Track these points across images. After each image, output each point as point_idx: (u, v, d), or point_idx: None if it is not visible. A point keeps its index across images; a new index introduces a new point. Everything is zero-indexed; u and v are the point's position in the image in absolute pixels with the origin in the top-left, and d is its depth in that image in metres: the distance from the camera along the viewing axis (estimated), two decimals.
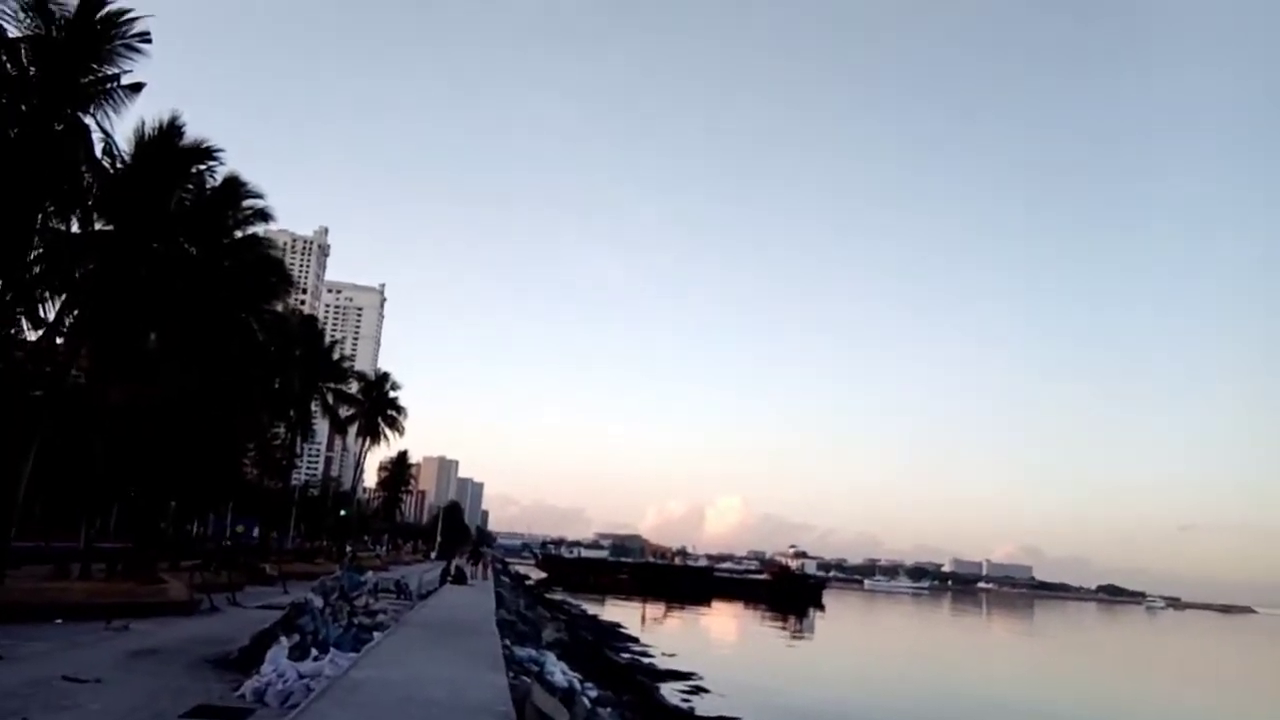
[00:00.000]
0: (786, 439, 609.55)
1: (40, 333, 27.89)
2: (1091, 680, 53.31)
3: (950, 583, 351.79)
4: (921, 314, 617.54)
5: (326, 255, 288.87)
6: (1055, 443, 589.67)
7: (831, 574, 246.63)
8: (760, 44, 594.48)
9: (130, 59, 24.39)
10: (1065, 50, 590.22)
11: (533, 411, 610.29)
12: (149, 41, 24.49)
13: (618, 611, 73.01)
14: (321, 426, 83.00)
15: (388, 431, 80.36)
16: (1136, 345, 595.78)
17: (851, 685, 40.42)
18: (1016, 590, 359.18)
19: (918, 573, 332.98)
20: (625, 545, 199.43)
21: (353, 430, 78.86)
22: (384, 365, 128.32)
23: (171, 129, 27.98)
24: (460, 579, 47.02)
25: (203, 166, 29.76)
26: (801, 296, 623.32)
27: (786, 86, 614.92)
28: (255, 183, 32.31)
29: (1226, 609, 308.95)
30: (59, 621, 20.59)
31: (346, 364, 73.17)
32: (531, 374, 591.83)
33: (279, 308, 42.22)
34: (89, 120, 24.18)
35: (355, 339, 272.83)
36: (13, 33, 22.47)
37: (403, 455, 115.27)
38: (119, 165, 25.92)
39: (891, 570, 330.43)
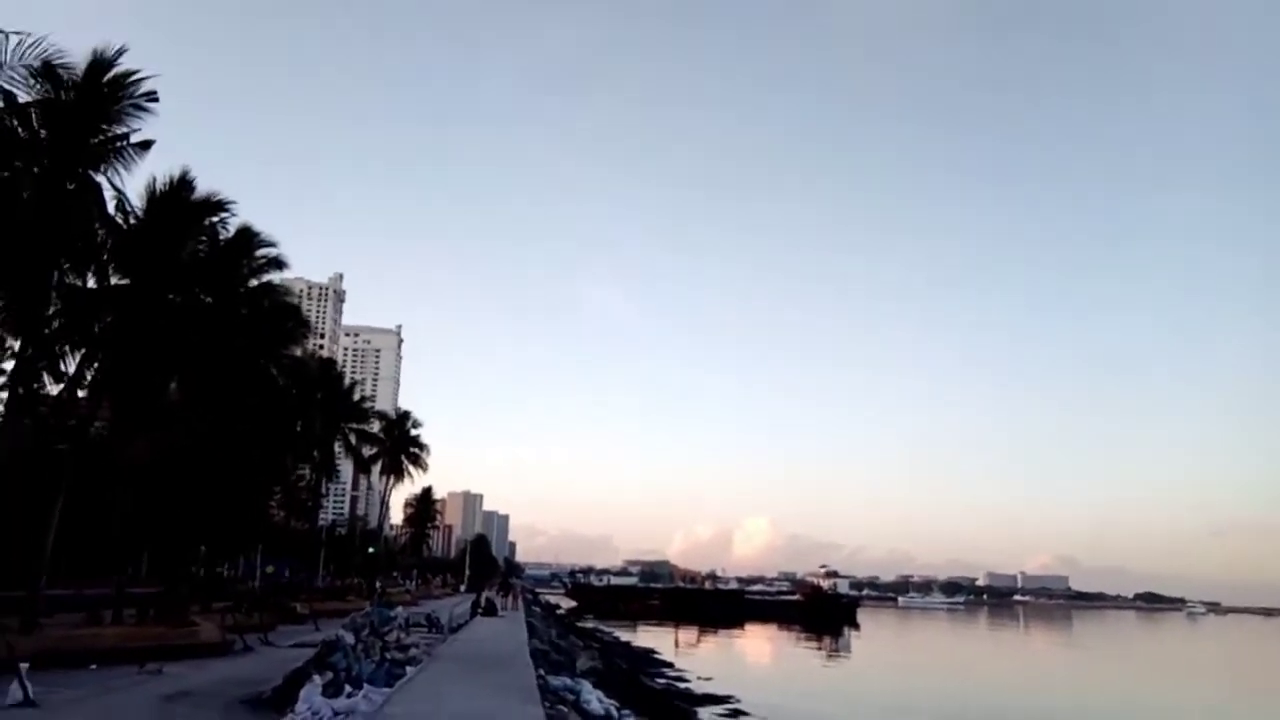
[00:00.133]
0: (812, 458, 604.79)
1: (62, 387, 28.26)
2: (1139, 690, 52.46)
3: (985, 597, 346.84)
4: (943, 327, 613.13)
5: (342, 300, 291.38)
6: (1086, 450, 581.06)
7: (864, 592, 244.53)
8: (758, 71, 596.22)
9: (138, 117, 24.98)
10: (1057, 65, 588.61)
11: (554, 442, 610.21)
12: (156, 100, 25.11)
13: (650, 637, 72.48)
14: (346, 467, 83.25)
15: (411, 468, 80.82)
16: (1166, 347, 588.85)
17: (892, 704, 39.83)
18: (1053, 602, 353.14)
19: (951, 588, 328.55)
20: (654, 571, 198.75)
21: (376, 469, 79.19)
22: (404, 404, 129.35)
23: (182, 183, 28.49)
24: (491, 611, 46.92)
25: (215, 218, 30.28)
26: (832, 313, 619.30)
27: (784, 111, 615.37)
28: (268, 232, 32.93)
29: (1269, 612, 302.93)
30: (93, 667, 20.72)
31: (367, 404, 73.76)
32: (551, 405, 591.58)
33: (297, 352, 42.61)
34: (101, 178, 24.71)
35: (375, 380, 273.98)
36: (23, 98, 22.97)
37: (427, 491, 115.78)
38: (132, 221, 26.42)
39: (925, 586, 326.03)
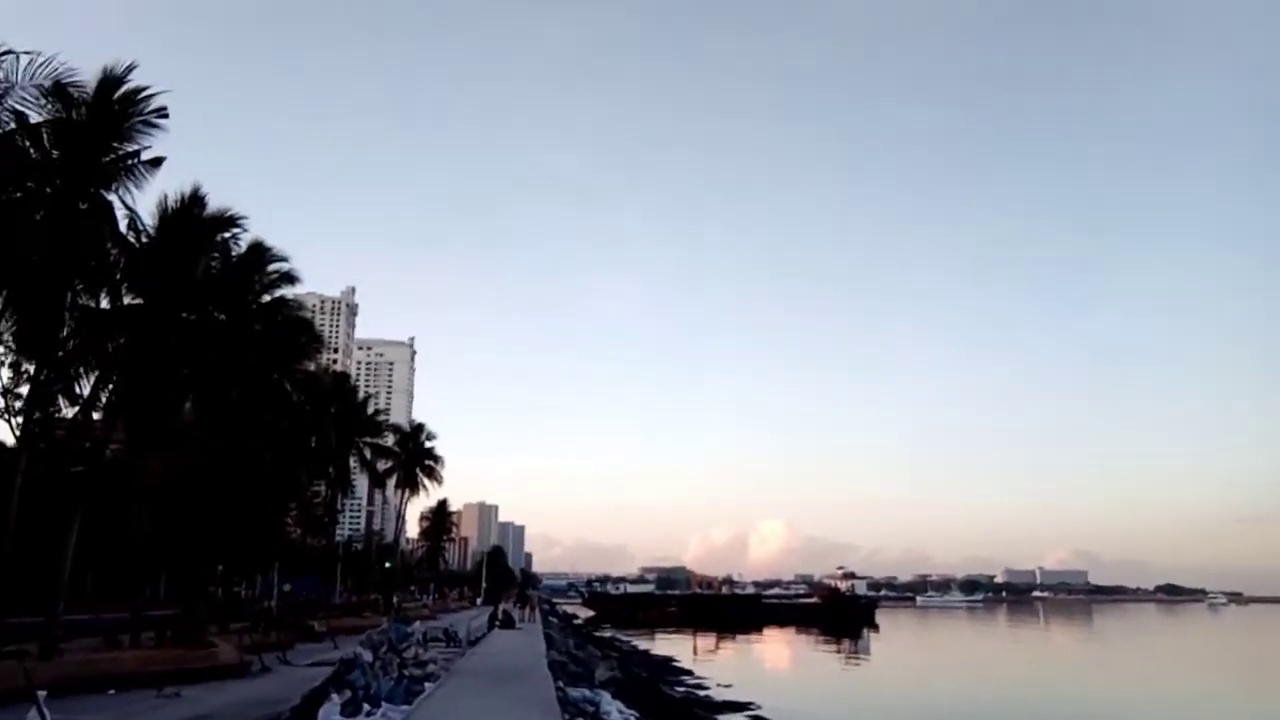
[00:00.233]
0: (826, 459, 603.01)
1: (77, 408, 28.30)
2: (1162, 684, 51.97)
3: (1004, 594, 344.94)
4: (957, 324, 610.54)
5: (355, 314, 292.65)
6: (1103, 443, 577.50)
7: (882, 593, 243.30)
8: (764, 69, 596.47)
9: (149, 134, 24.99)
10: (1064, 57, 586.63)
11: (568, 451, 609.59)
12: (166, 116, 25.08)
13: (668, 645, 72.23)
14: (361, 481, 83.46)
15: (426, 481, 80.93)
16: (1182, 337, 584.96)
17: (914, 707, 39.52)
18: (1073, 597, 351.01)
19: (970, 586, 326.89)
20: (670, 578, 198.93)
21: (391, 483, 79.28)
22: (418, 417, 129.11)
23: (194, 200, 28.54)
24: (508, 623, 46.81)
25: (227, 235, 30.35)
26: (845, 313, 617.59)
27: (792, 111, 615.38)
28: (280, 247, 32.89)
29: None
30: (111, 692, 20.68)
31: (381, 418, 73.91)
32: (564, 414, 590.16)
33: (311, 367, 42.65)
34: (112, 197, 24.75)
35: (389, 393, 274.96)
36: (34, 118, 23.04)
37: (442, 504, 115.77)
38: (144, 239, 26.46)
39: (943, 585, 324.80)
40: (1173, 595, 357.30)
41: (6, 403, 26.98)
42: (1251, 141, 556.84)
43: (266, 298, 33.52)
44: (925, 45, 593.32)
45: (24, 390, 25.90)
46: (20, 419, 24.89)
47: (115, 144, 24.61)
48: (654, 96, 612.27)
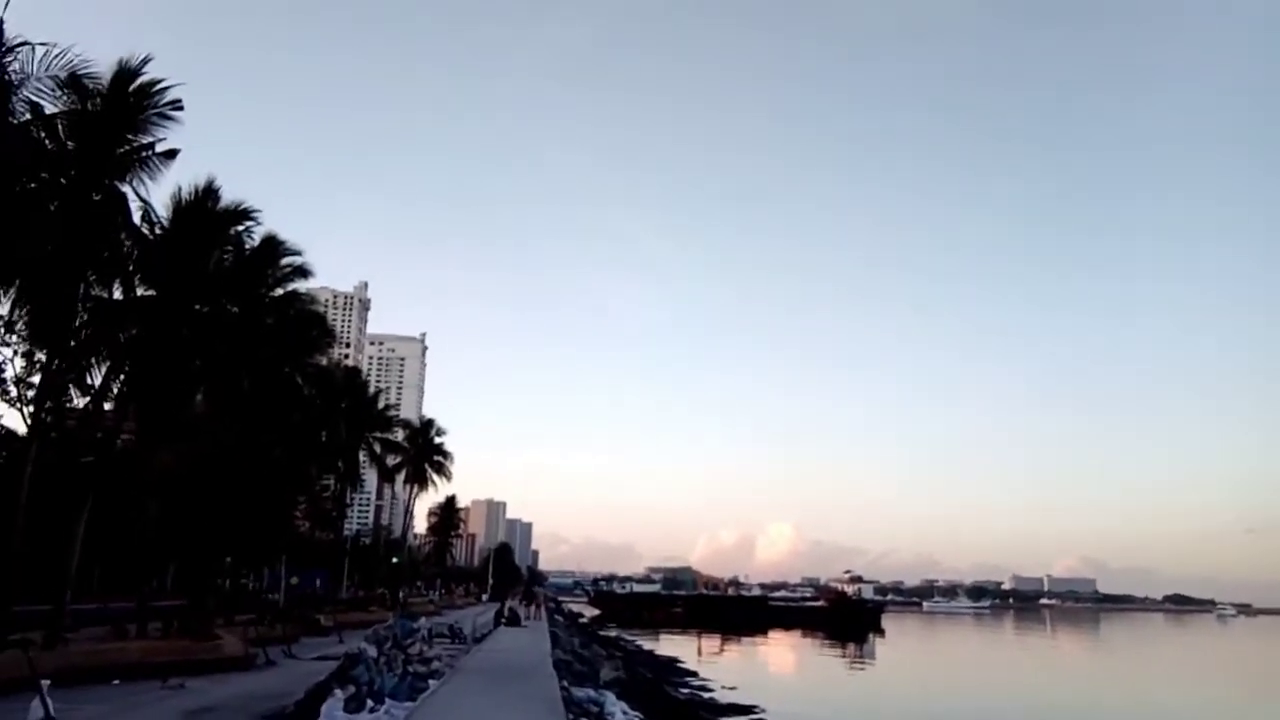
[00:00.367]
0: (835, 462, 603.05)
1: (88, 399, 28.39)
2: (1167, 694, 51.61)
3: (1011, 600, 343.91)
4: (968, 329, 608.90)
5: (367, 309, 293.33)
6: (1113, 451, 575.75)
7: (889, 597, 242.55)
8: (764, 69, 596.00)
9: (164, 127, 25.00)
10: (1064, 58, 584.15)
11: (577, 449, 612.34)
12: (181, 109, 25.09)
13: (673, 645, 72.09)
14: (370, 476, 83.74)
15: (435, 477, 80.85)
16: (1193, 346, 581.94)
17: (919, 713, 39.37)
18: (1080, 605, 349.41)
19: (977, 592, 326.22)
20: (677, 578, 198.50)
21: (400, 478, 79.35)
22: (428, 412, 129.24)
23: (208, 192, 28.58)
24: (514, 620, 46.80)
25: (240, 227, 30.34)
26: (858, 317, 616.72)
27: (792, 111, 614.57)
28: (293, 240, 32.94)
29: None
30: (116, 682, 20.74)
31: (391, 413, 73.94)
32: (574, 411, 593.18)
33: (322, 361, 42.70)
34: (126, 188, 24.77)
35: (399, 388, 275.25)
36: (49, 109, 23.07)
37: (451, 500, 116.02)
38: (158, 231, 26.50)
39: (950, 591, 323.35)
40: (1181, 605, 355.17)
41: (19, 392, 27.15)
42: (1252, 142, 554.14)
43: (279, 291, 33.55)
44: (925, 46, 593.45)
45: (36, 380, 26.00)
46: (32, 408, 24.94)
47: (130, 136, 24.63)
48: (653, 96, 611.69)
